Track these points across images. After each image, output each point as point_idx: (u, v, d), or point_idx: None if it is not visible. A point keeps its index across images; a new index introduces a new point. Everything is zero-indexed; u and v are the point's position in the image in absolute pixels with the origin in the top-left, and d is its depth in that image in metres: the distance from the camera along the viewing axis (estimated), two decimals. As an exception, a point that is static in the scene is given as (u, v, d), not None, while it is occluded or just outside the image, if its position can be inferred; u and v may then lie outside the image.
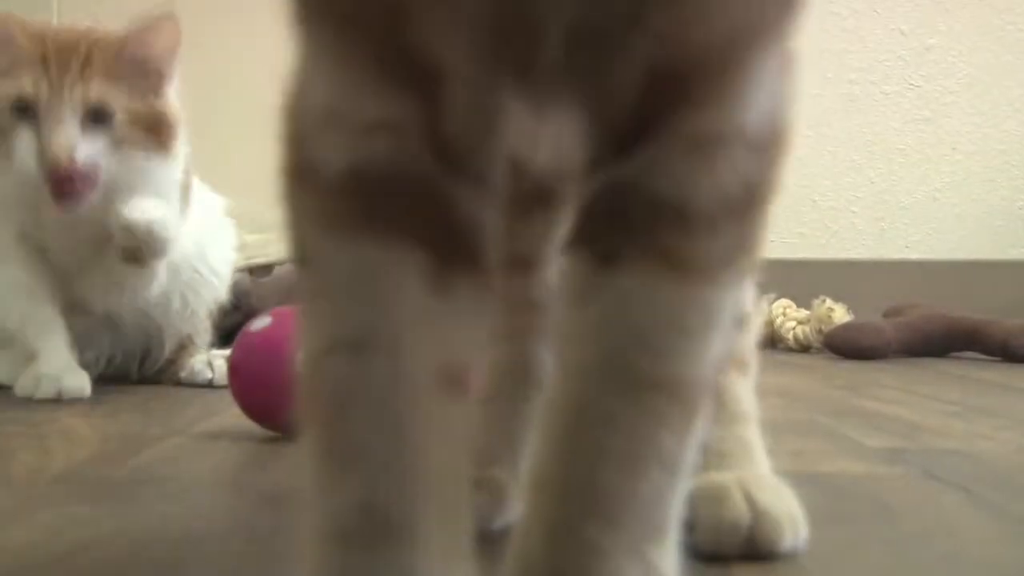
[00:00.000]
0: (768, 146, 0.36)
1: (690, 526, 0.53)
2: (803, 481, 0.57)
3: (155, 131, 1.25)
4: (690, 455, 0.36)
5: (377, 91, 0.34)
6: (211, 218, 1.43)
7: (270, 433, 0.93)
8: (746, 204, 0.35)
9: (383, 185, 0.35)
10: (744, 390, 0.58)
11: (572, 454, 0.35)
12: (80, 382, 1.23)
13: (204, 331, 1.41)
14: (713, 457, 0.56)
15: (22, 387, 1.23)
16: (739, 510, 0.53)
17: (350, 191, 0.35)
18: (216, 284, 1.41)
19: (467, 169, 0.36)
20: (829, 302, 1.97)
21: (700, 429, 0.36)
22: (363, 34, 0.34)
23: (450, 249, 0.36)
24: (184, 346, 1.39)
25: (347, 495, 0.34)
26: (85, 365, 1.28)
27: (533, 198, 0.47)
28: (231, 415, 0.96)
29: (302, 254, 0.36)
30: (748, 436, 0.58)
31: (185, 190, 1.33)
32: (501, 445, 0.60)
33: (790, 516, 0.54)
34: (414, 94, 0.34)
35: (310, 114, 0.35)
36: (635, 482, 0.35)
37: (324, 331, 0.35)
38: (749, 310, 0.59)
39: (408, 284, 0.35)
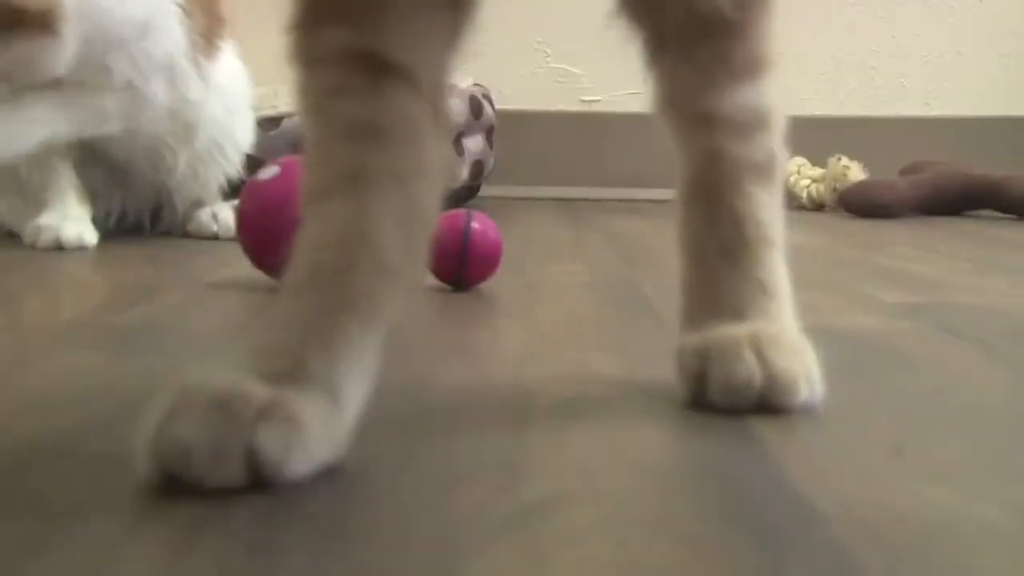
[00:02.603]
0: None
1: (703, 382, 0.52)
2: (819, 335, 0.56)
3: None
4: None
5: None
6: (236, 95, 1.39)
7: (279, 283, 0.92)
8: None
9: None
10: (765, 207, 0.54)
11: None
12: (79, 231, 1.22)
13: (214, 193, 1.39)
14: (727, 306, 0.54)
15: (27, 236, 1.23)
16: (751, 369, 0.51)
17: None
18: (231, 162, 1.39)
19: None
20: (844, 160, 1.94)
21: None
22: None
23: None
24: (195, 203, 1.38)
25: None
26: (95, 219, 1.28)
27: None
28: (241, 266, 0.95)
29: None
30: (767, 276, 0.54)
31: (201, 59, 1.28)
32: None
33: (804, 373, 0.52)
34: None
35: None
36: None
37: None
38: (766, 105, 0.54)
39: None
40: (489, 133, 1.98)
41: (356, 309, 0.44)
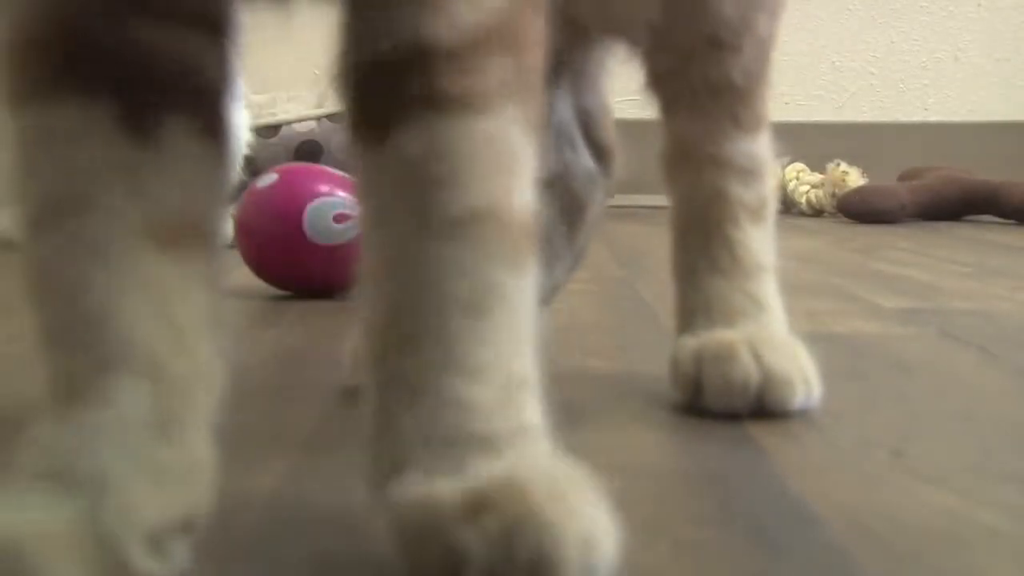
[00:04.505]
0: None
1: (698, 386, 0.53)
2: (818, 340, 0.56)
3: None
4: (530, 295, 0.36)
5: None
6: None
7: (278, 291, 0.92)
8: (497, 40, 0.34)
9: (52, 37, 0.34)
10: (757, 240, 0.57)
11: (417, 304, 0.34)
12: None
13: None
14: (719, 314, 0.55)
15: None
16: (748, 369, 0.52)
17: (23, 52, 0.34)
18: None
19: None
20: (844, 165, 1.94)
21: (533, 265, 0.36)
22: None
23: (145, 91, 0.34)
24: None
25: (53, 365, 0.36)
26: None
27: None
28: (240, 273, 0.95)
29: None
30: (758, 290, 0.56)
31: None
32: None
33: (801, 374, 0.53)
34: None
35: None
36: (482, 325, 0.35)
37: (27, 204, 0.35)
38: (763, 155, 0.58)
39: (94, 138, 0.34)
40: None
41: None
